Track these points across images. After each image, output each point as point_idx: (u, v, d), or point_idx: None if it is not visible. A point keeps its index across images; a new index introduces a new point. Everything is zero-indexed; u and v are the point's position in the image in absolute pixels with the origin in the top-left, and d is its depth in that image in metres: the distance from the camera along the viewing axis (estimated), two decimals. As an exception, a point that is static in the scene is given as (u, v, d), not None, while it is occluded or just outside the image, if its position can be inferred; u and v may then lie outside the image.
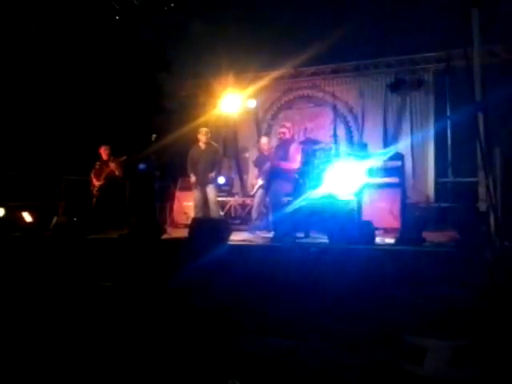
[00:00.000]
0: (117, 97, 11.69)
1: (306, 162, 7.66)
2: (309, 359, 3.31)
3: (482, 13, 7.72)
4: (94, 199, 8.15)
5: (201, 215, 7.25)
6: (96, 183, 8.18)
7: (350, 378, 3.10)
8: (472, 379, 3.03)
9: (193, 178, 7.45)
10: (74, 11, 8.28)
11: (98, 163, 8.29)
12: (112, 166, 8.03)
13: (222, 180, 9.18)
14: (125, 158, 8.11)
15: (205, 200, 7.40)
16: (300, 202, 7.15)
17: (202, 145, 7.48)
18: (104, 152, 8.23)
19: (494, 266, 4.19)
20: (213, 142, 7.70)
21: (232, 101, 9.30)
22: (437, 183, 8.97)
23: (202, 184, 7.40)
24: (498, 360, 3.13)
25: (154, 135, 7.96)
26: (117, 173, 8.04)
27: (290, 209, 6.62)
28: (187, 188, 8.67)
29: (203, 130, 7.62)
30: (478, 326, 3.49)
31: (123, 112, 11.41)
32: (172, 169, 9.31)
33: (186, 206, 8.33)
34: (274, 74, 10.13)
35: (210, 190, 7.37)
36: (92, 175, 8.28)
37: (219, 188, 9.08)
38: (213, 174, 7.27)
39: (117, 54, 12.26)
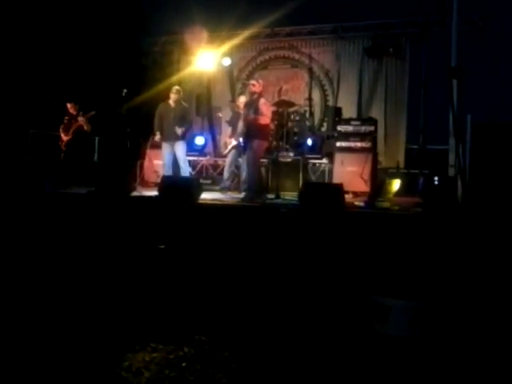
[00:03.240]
0: (89, 51, 11.32)
1: (279, 124, 7.61)
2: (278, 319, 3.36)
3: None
4: (62, 154, 7.98)
5: (170, 173, 7.12)
6: (64, 138, 8.00)
7: (322, 336, 3.17)
8: (425, 337, 3.15)
9: (157, 136, 7.27)
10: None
11: (66, 118, 8.09)
12: (80, 120, 7.83)
13: (200, 140, 9.04)
14: (93, 113, 7.90)
15: (174, 158, 7.24)
16: (273, 164, 7.15)
17: (171, 102, 7.27)
18: (72, 107, 8.01)
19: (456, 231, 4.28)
20: (183, 102, 7.54)
21: (206, 58, 9.08)
22: (408, 149, 9.05)
23: (170, 140, 7.21)
24: (445, 320, 3.29)
25: (125, 90, 7.77)
26: (85, 127, 7.85)
27: (263, 169, 6.62)
28: (159, 146, 8.52)
29: (175, 88, 7.43)
30: (433, 289, 3.60)
31: (95, 66, 11.08)
32: (144, 126, 9.12)
33: (157, 164, 8.19)
34: (250, 32, 9.92)
35: (179, 147, 7.18)
36: (60, 130, 8.09)
37: (198, 149, 9.02)
38: (180, 130, 7.07)
39: (90, 6, 11.80)
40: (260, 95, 6.49)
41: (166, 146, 7.28)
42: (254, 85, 6.53)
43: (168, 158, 7.25)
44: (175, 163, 7.24)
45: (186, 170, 7.26)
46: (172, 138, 7.17)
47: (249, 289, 3.85)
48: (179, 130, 7.03)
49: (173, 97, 7.29)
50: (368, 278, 3.90)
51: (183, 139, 7.25)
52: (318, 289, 3.88)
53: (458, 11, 8.97)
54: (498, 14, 8.65)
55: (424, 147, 7.62)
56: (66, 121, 8.08)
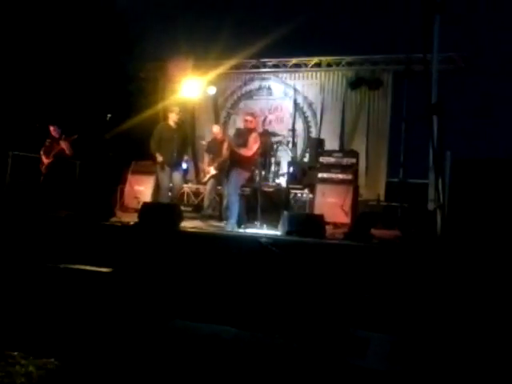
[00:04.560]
0: (73, 74, 11.33)
1: (263, 154, 7.64)
2: (254, 350, 3.30)
3: (443, 20, 7.94)
4: (42, 177, 7.89)
5: (164, 200, 6.83)
6: (45, 161, 7.93)
7: (298, 371, 3.11)
8: (403, 372, 3.12)
9: (159, 158, 6.79)
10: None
11: (48, 140, 8.03)
12: (62, 144, 7.78)
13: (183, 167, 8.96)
14: (76, 136, 7.86)
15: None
16: (255, 193, 7.13)
17: (172, 124, 6.92)
18: (54, 130, 7.97)
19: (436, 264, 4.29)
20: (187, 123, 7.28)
21: (191, 86, 9.13)
22: (388, 183, 9.16)
23: (171, 166, 6.80)
24: (420, 354, 3.28)
25: (109, 115, 7.73)
26: (67, 152, 7.79)
27: (244, 199, 6.60)
28: (140, 172, 8.47)
29: (176, 108, 7.08)
30: (410, 323, 3.59)
31: (80, 90, 11.07)
32: (126, 151, 9.10)
33: (138, 190, 8.14)
34: (236, 62, 10.06)
35: (178, 174, 6.88)
36: (42, 152, 8.02)
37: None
38: (186, 157, 6.75)
39: (77, 31, 11.87)
40: (253, 129, 6.50)
41: (165, 171, 6.86)
42: (249, 121, 6.51)
43: (165, 182, 6.89)
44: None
45: (176, 198, 7.03)
46: (174, 163, 6.84)
47: (224, 317, 3.79)
48: (185, 158, 6.69)
49: (174, 117, 6.97)
50: (346, 311, 3.88)
51: (181, 165, 6.97)
52: (296, 321, 3.83)
53: (439, 50, 9.23)
54: (478, 54, 8.92)
55: (404, 181, 7.73)
56: (47, 143, 8.02)
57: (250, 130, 6.51)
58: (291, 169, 8.07)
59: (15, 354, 2.83)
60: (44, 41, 10.68)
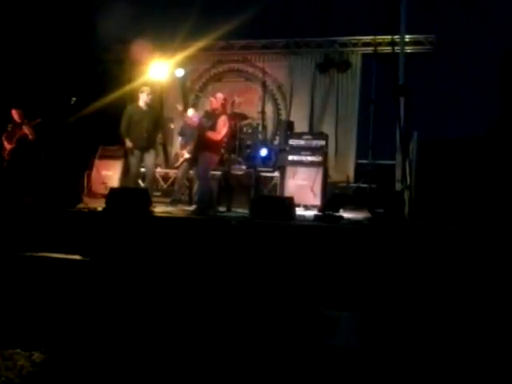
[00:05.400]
0: (37, 54, 10.96)
1: (232, 136, 7.59)
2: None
3: (411, 2, 7.97)
4: (5, 163, 7.65)
5: (133, 184, 6.69)
6: (7, 146, 7.68)
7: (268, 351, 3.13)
8: (371, 349, 3.18)
9: (128, 143, 6.55)
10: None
11: (10, 125, 7.78)
12: (25, 128, 7.55)
13: None
14: (39, 120, 7.63)
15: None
16: (225, 177, 7.10)
17: (143, 105, 6.64)
18: (16, 114, 7.71)
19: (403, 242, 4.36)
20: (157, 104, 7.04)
21: (159, 69, 8.96)
22: (357, 164, 9.24)
23: (142, 149, 6.55)
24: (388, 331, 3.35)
25: (74, 99, 7.50)
26: (30, 136, 7.56)
27: (214, 182, 6.56)
28: (107, 157, 8.31)
29: (147, 88, 6.77)
30: (376, 301, 3.65)
31: (43, 71, 10.73)
32: (92, 136, 8.89)
33: (105, 175, 7.99)
34: (203, 44, 9.91)
35: (150, 156, 6.62)
36: (3, 138, 7.77)
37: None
38: (157, 136, 6.47)
39: (41, 12, 11.45)
40: (222, 112, 6.42)
41: (135, 154, 6.61)
42: (215, 103, 6.42)
43: (136, 166, 6.68)
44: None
45: (150, 181, 6.83)
46: (145, 146, 6.57)
47: (194, 299, 3.79)
48: (157, 138, 6.39)
49: (144, 98, 6.67)
50: (316, 292, 3.91)
51: (154, 147, 6.72)
52: (266, 302, 3.85)
53: (406, 32, 9.31)
54: (446, 36, 9.00)
55: (373, 162, 7.81)
56: (9, 128, 7.78)
57: (218, 113, 6.44)
58: (261, 151, 8.05)
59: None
60: (4, 20, 10.27)
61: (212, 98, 6.57)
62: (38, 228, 5.33)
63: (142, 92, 6.77)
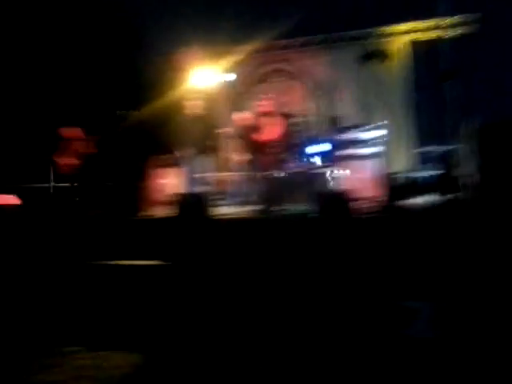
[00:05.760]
0: (86, 74, 11.34)
1: (284, 136, 7.61)
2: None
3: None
4: (68, 178, 7.89)
5: (191, 190, 6.94)
6: (68, 162, 7.89)
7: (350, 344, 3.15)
8: (446, 337, 3.16)
9: (182, 152, 6.95)
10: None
11: (65, 142, 7.98)
12: (84, 144, 7.80)
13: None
14: (97, 136, 7.89)
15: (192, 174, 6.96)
16: (281, 176, 7.15)
17: (193, 115, 7.03)
18: (73, 132, 7.96)
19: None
20: (204, 112, 7.28)
21: (205, 75, 9.10)
22: (416, 152, 9.08)
23: (195, 155, 6.91)
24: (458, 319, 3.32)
25: (121, 112, 7.74)
26: (88, 151, 7.81)
27: (273, 181, 6.62)
28: (162, 165, 8.48)
29: (195, 97, 7.15)
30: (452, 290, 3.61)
31: (93, 89, 11.09)
32: (144, 146, 9.11)
33: (163, 183, 8.16)
34: (247, 47, 10.00)
35: (204, 162, 7.00)
36: (61, 155, 7.99)
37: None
38: (210, 145, 6.75)
39: (86, 29, 11.84)
40: (271, 113, 6.50)
41: (189, 160, 6.97)
42: (263, 105, 6.51)
43: (192, 172, 6.99)
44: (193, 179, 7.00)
45: (204, 187, 7.07)
46: (196, 150, 6.93)
47: (272, 295, 3.84)
48: (209, 145, 6.69)
49: (193, 108, 7.06)
50: (394, 285, 3.89)
51: (211, 153, 7.02)
52: (343, 297, 3.86)
53: (450, 14, 9.11)
54: (492, 15, 8.74)
55: (431, 149, 7.68)
56: (65, 145, 7.97)
57: (267, 114, 6.51)
58: (313, 148, 8.02)
59: (76, 348, 2.89)
60: (54, 44, 10.68)
61: (260, 101, 6.66)
62: (107, 238, 5.53)
63: (190, 101, 6.99)
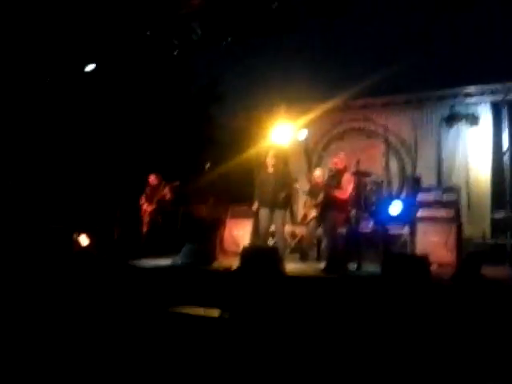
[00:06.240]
0: (171, 129, 12.12)
1: (357, 194, 7.60)
2: None
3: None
4: (146, 224, 8.29)
5: (264, 243, 6.97)
6: (148, 208, 8.31)
7: None
8: None
9: (255, 205, 7.03)
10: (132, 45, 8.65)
11: (148, 188, 8.45)
12: (164, 190, 8.20)
13: None
14: (177, 183, 8.26)
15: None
16: (353, 234, 7.09)
17: (270, 168, 7.12)
18: (155, 179, 8.39)
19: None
20: (282, 165, 7.43)
21: (283, 132, 9.40)
22: (493, 218, 8.66)
23: (270, 208, 6.86)
24: None
25: (208, 164, 8.11)
26: (168, 197, 8.17)
27: (343, 239, 6.58)
28: (238, 216, 8.73)
29: (271, 152, 7.28)
30: None
31: (177, 142, 11.80)
32: (223, 197, 9.44)
33: (237, 234, 8.39)
34: (325, 106, 10.19)
35: (278, 215, 6.87)
36: (143, 201, 8.44)
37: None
38: (283, 194, 6.72)
39: (171, 87, 12.75)
40: (344, 170, 6.58)
41: (263, 213, 6.97)
42: (336, 163, 6.62)
43: (265, 225, 6.95)
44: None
45: (281, 242, 7.00)
46: (271, 204, 6.88)
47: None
48: (282, 195, 6.70)
49: (270, 162, 7.13)
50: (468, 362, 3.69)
51: (284, 207, 6.98)
52: (406, 365, 3.71)
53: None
54: None
55: (510, 215, 7.32)
56: (148, 191, 8.43)
57: (341, 171, 6.58)
58: (388, 208, 7.92)
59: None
60: (144, 100, 11.54)
61: (335, 158, 6.76)
62: (181, 286, 5.71)
63: (267, 157, 7.22)
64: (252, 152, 9.82)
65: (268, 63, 10.36)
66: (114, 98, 10.95)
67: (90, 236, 7.10)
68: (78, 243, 6.92)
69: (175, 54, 8.34)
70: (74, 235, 6.87)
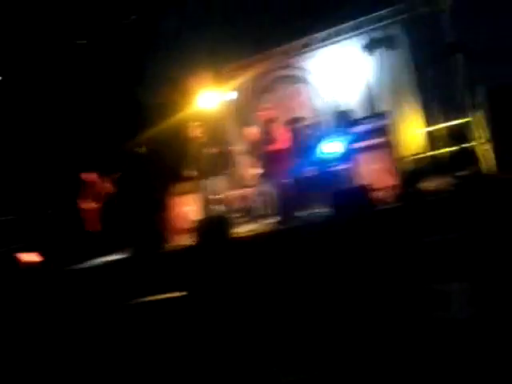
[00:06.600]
0: (94, 117, 11.59)
1: (296, 142, 7.57)
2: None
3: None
4: (93, 222, 8.01)
5: (212, 212, 7.01)
6: (93, 206, 8.02)
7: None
8: (479, 317, 3.09)
9: (194, 173, 7.07)
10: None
11: (86, 187, 8.14)
12: (105, 185, 7.95)
13: None
14: (118, 174, 8.02)
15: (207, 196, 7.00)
16: (298, 181, 7.12)
17: (198, 139, 7.13)
18: (91, 177, 8.10)
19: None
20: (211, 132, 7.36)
21: (208, 98, 9.19)
22: (427, 132, 8.88)
23: (210, 175, 7.00)
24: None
25: (143, 148, 7.87)
26: (111, 190, 7.94)
27: (291, 189, 6.61)
28: (182, 193, 8.55)
29: (194, 124, 7.20)
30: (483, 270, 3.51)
31: (104, 131, 11.32)
32: (160, 177, 9.20)
33: (186, 210, 8.22)
34: (245, 61, 10.01)
35: (219, 182, 7.04)
36: (83, 200, 8.13)
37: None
38: (219, 166, 6.82)
39: (91, 71, 12.12)
40: (271, 121, 6.50)
41: (205, 183, 7.09)
42: (261, 116, 6.55)
43: (209, 194, 7.09)
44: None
45: (220, 208, 7.11)
46: (210, 173, 7.03)
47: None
48: (217, 167, 6.77)
49: (197, 132, 7.12)
50: (424, 268, 3.81)
51: (223, 173, 7.11)
52: (377, 287, 3.82)
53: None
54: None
55: (442, 126, 7.51)
56: (87, 190, 8.11)
57: (269, 122, 6.52)
58: (326, 148, 7.95)
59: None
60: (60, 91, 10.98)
61: (261, 112, 6.68)
62: (140, 275, 5.61)
63: (191, 128, 7.05)
64: (181, 125, 9.56)
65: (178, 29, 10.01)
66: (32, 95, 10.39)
67: (31, 250, 6.80)
68: (21, 260, 6.62)
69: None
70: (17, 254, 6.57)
